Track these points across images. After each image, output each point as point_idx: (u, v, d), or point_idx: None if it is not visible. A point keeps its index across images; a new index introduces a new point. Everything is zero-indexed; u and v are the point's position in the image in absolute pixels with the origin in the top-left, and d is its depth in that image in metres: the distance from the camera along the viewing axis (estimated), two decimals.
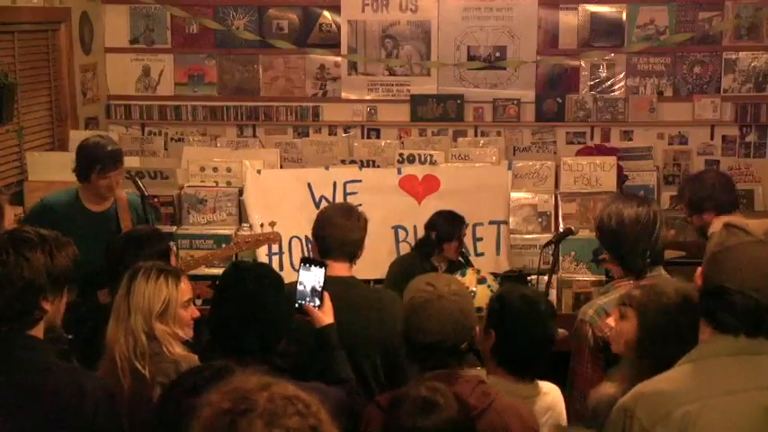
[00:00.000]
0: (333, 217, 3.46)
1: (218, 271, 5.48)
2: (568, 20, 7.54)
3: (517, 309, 2.90)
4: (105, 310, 3.42)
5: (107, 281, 3.81)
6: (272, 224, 4.69)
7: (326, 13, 7.66)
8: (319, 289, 3.07)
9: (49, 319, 2.53)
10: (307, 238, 5.13)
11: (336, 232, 3.40)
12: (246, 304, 2.66)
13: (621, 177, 6.47)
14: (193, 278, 4.31)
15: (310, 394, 1.65)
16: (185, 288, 3.08)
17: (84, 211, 4.58)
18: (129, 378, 2.87)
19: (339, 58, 7.65)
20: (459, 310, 2.66)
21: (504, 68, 7.57)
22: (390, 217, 5.38)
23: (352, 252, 3.42)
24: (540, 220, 5.91)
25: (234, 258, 5.55)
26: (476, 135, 7.60)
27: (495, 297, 3.05)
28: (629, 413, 2.11)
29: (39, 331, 2.50)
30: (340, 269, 3.36)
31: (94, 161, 4.47)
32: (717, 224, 3.40)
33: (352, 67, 7.70)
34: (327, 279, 3.16)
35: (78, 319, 3.59)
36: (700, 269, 2.17)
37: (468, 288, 3.21)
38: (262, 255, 5.24)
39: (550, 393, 3.01)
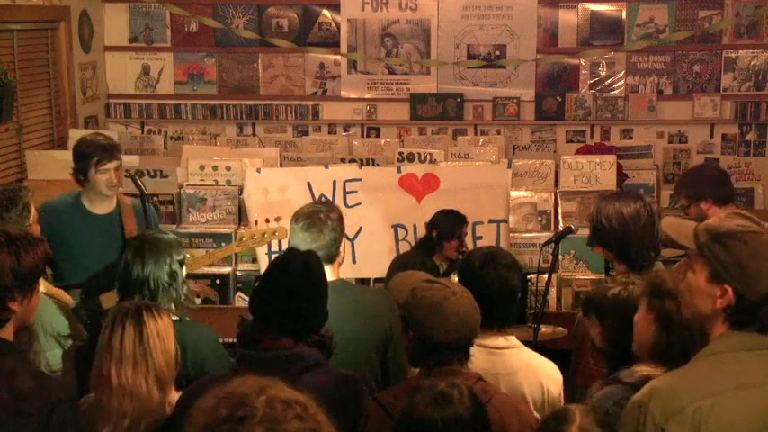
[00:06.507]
0: (295, 229, 3.44)
1: (219, 269, 5.51)
2: (568, 18, 7.54)
3: (479, 263, 3.00)
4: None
5: (113, 284, 3.79)
6: (278, 219, 4.56)
7: (326, 12, 7.65)
8: None
9: (19, 319, 2.52)
10: None
11: (301, 245, 3.37)
12: (310, 284, 2.68)
13: (621, 176, 6.48)
14: (193, 277, 4.28)
15: (306, 395, 1.63)
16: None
17: (86, 213, 4.51)
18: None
19: (339, 57, 7.64)
20: (472, 306, 2.67)
21: (504, 67, 7.56)
22: (390, 216, 5.38)
23: (325, 256, 3.35)
24: (539, 218, 5.91)
25: (234, 258, 5.56)
26: (475, 134, 7.60)
27: (463, 259, 3.22)
28: (642, 408, 2.12)
29: (7, 332, 2.50)
30: None
31: (90, 154, 4.42)
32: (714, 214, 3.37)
33: (352, 65, 7.69)
34: None
35: (82, 324, 3.59)
36: (728, 288, 2.11)
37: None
38: (261, 253, 5.22)
39: (535, 360, 3.01)
